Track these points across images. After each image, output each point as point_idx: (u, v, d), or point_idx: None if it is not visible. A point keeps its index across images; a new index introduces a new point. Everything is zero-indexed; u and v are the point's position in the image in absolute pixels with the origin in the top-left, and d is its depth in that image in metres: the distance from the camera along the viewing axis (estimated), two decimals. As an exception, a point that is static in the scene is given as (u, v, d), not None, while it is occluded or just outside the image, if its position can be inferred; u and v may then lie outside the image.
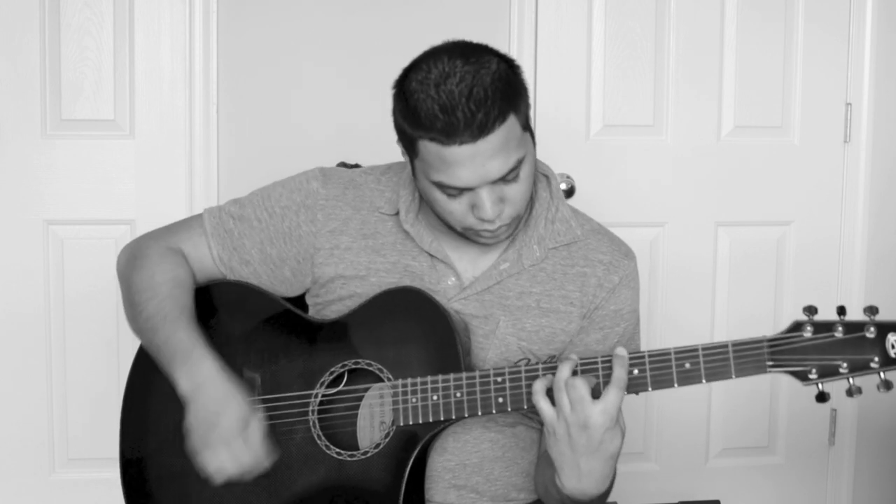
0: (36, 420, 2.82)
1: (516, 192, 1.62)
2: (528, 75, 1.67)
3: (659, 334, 2.96)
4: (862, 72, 2.99)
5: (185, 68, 2.77)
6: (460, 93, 1.54)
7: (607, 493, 1.64)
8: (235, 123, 2.81)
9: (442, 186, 1.60)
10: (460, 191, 1.60)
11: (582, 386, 1.53)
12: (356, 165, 2.09)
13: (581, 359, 1.59)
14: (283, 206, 1.79)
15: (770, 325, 3.03)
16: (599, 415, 1.53)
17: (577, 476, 1.56)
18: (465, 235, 1.68)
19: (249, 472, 1.66)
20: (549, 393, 1.57)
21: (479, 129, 1.54)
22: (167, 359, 1.70)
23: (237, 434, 1.64)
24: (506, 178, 1.59)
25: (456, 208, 1.62)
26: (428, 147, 1.57)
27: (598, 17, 2.90)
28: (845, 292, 3.05)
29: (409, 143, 1.62)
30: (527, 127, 1.63)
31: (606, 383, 1.56)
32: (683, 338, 2.92)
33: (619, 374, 1.54)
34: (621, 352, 1.56)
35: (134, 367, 1.82)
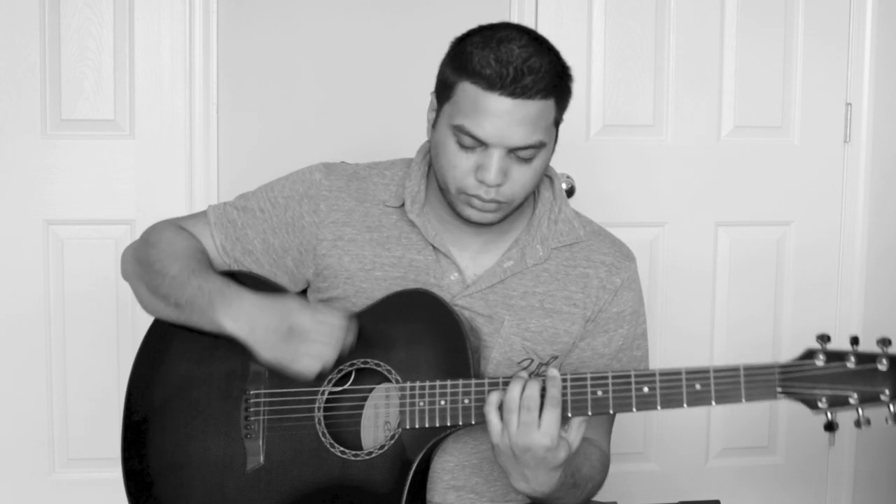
0: (36, 420, 2.82)
1: (522, 175, 1.64)
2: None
3: (659, 335, 2.96)
4: (862, 72, 2.99)
5: (185, 68, 2.77)
6: (518, 55, 1.59)
7: (576, 485, 1.65)
8: (235, 123, 2.81)
9: (461, 132, 1.61)
10: (476, 143, 1.61)
11: (535, 410, 1.53)
12: (357, 165, 2.09)
13: (571, 374, 1.59)
14: (285, 196, 1.80)
15: (770, 325, 3.03)
16: (541, 437, 1.53)
17: (524, 480, 1.58)
18: (456, 204, 1.67)
19: (343, 340, 1.64)
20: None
21: (521, 90, 1.57)
22: (203, 307, 1.69)
23: (311, 321, 1.64)
24: (520, 154, 1.62)
25: (462, 162, 1.63)
26: (466, 89, 1.60)
27: (598, 17, 2.90)
28: (845, 292, 3.05)
29: (445, 89, 1.64)
30: (557, 125, 1.67)
31: (599, 396, 1.56)
32: (683, 338, 2.94)
33: (553, 393, 1.54)
34: (553, 373, 1.56)
35: (136, 367, 1.81)
